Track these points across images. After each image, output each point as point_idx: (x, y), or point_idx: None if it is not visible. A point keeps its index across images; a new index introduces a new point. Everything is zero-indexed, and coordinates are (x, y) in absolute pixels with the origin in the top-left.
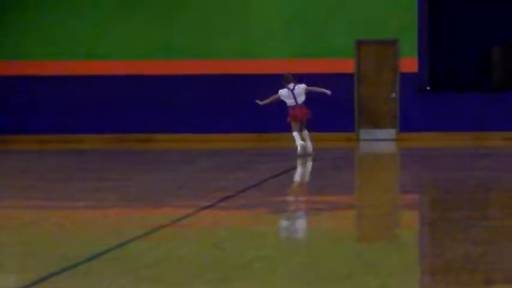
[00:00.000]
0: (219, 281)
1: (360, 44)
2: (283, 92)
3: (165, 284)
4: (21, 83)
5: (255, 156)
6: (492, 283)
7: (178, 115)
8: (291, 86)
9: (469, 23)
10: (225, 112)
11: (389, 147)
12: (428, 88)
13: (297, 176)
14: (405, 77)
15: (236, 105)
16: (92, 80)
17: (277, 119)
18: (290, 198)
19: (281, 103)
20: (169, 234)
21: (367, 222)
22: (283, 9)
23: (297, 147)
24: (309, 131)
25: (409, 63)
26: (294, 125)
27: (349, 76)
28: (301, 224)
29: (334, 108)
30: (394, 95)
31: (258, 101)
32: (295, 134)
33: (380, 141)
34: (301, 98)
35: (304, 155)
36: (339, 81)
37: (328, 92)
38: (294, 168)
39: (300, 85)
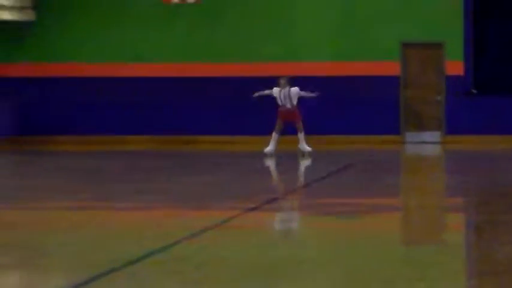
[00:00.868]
0: (265, 282)
1: (405, 46)
2: (275, 90)
3: (210, 286)
4: (66, 84)
5: (299, 158)
6: None
7: (223, 117)
8: (285, 88)
9: None
10: (269, 114)
11: (435, 150)
12: (475, 91)
13: (342, 178)
14: (451, 80)
15: None
16: (137, 81)
17: (324, 120)
18: (336, 201)
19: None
20: (214, 236)
21: (413, 225)
22: (328, 12)
23: (267, 147)
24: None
25: (455, 66)
26: (277, 125)
27: (395, 79)
28: (346, 226)
29: (380, 111)
30: (439, 98)
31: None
32: (274, 134)
33: (425, 144)
34: (289, 101)
35: (270, 156)
36: (385, 84)
37: (315, 94)
38: (339, 170)
39: (292, 88)
